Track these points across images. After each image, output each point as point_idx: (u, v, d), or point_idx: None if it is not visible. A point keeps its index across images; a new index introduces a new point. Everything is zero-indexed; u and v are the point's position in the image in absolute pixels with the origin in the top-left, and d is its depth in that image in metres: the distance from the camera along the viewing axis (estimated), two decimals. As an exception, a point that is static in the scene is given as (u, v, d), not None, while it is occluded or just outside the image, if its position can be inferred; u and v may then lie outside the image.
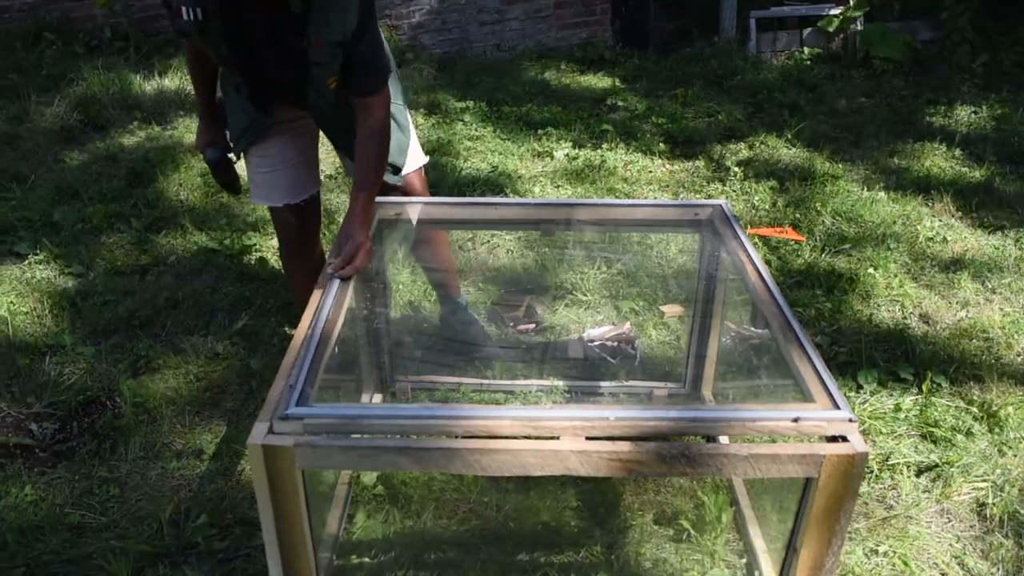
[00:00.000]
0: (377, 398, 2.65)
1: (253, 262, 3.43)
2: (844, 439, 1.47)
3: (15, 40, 5.73)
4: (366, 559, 2.12)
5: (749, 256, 2.04)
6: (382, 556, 2.12)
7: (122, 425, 2.54)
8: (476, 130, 4.82)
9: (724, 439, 1.94)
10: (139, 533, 2.18)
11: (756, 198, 4.01)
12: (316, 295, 1.88)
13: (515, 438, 1.47)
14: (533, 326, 3.03)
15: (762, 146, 4.70)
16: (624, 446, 1.45)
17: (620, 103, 5.37)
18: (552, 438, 1.48)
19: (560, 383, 2.67)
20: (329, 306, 1.83)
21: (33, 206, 3.76)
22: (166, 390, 2.67)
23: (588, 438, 1.47)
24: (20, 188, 3.94)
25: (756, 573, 2.03)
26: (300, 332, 1.76)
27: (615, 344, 2.86)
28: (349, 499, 2.27)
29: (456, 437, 1.49)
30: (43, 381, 2.69)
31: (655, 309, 3.13)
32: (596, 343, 2.87)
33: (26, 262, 3.37)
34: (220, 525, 2.21)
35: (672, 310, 3.11)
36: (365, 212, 2.11)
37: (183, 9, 1.95)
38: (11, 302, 3.08)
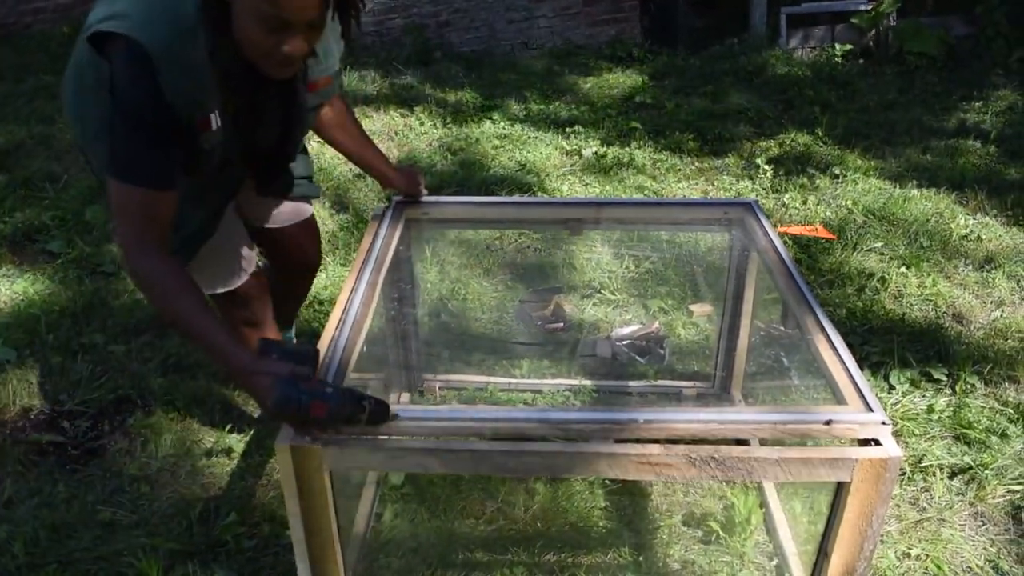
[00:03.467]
0: (405, 397, 2.66)
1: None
2: (877, 442, 1.45)
3: (49, 40, 5.82)
4: (393, 559, 2.12)
5: (779, 255, 2.02)
6: (409, 556, 2.12)
7: (153, 423, 2.56)
8: (504, 128, 4.82)
9: (754, 442, 1.92)
10: (169, 531, 2.20)
11: (786, 196, 3.96)
12: (346, 291, 1.88)
13: (544, 440, 1.46)
14: (561, 325, 3.02)
15: (793, 143, 4.65)
16: (653, 449, 1.44)
17: (649, 100, 5.34)
18: (581, 440, 1.47)
19: (588, 383, 2.66)
20: (357, 306, 1.83)
21: (65, 205, 3.81)
22: (196, 389, 2.69)
23: (617, 440, 1.46)
24: (53, 188, 3.99)
25: (786, 575, 2.00)
26: (328, 332, 1.76)
27: (644, 343, 2.84)
28: (377, 498, 2.27)
29: (485, 439, 1.48)
30: (75, 379, 2.72)
31: (684, 308, 3.11)
32: (624, 342, 2.86)
33: (59, 261, 3.41)
34: (249, 523, 2.22)
35: (701, 309, 3.08)
36: None
37: (212, 118, 1.59)
38: (44, 300, 3.12)
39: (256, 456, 2.44)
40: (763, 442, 1.54)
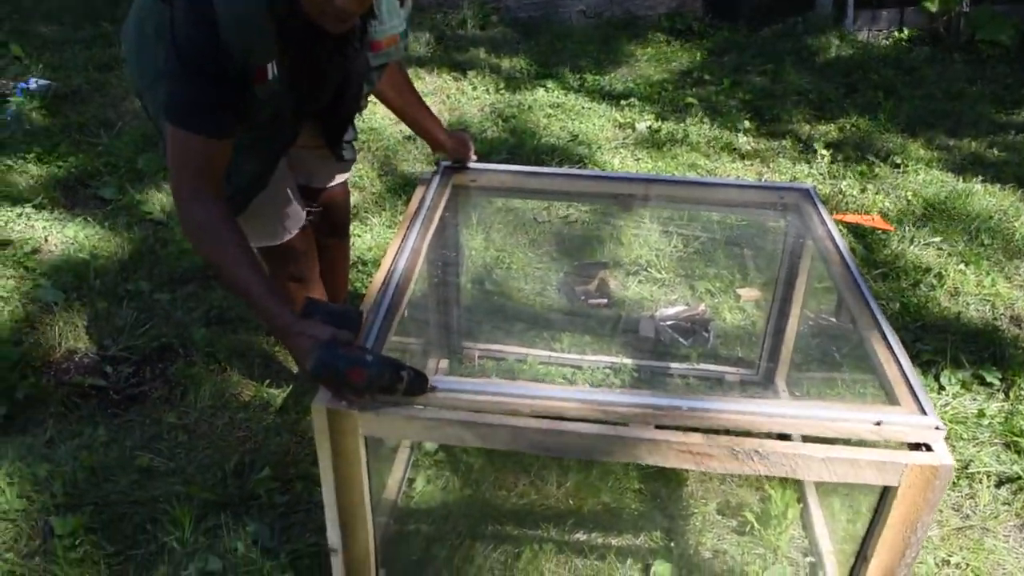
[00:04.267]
0: (444, 363, 2.65)
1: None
2: (928, 448, 1.40)
3: (110, -13, 5.84)
4: (423, 525, 2.12)
5: (835, 243, 1.96)
6: (440, 523, 2.11)
7: (193, 373, 2.58)
8: (558, 97, 4.75)
9: (798, 436, 1.87)
10: (204, 480, 2.22)
11: (844, 183, 3.86)
12: (390, 254, 1.86)
13: (583, 421, 1.44)
14: (605, 301, 2.98)
15: (853, 128, 4.52)
16: (695, 438, 1.40)
17: (707, 76, 5.23)
18: (621, 424, 1.44)
19: (629, 361, 2.63)
20: (401, 270, 1.81)
21: (119, 152, 3.83)
22: (237, 342, 2.71)
23: (658, 427, 1.43)
24: (107, 134, 4.02)
25: (820, 574, 1.96)
26: (371, 294, 1.75)
27: (688, 325, 2.80)
28: (410, 463, 2.27)
29: (523, 415, 1.46)
30: (120, 325, 2.75)
31: (732, 292, 3.05)
32: (669, 322, 2.81)
33: (109, 207, 3.44)
34: (282, 479, 2.23)
35: (749, 294, 3.02)
36: None
37: (268, 68, 1.56)
38: (93, 246, 3.15)
39: (293, 412, 2.45)
40: (807, 438, 1.49)
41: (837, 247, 1.95)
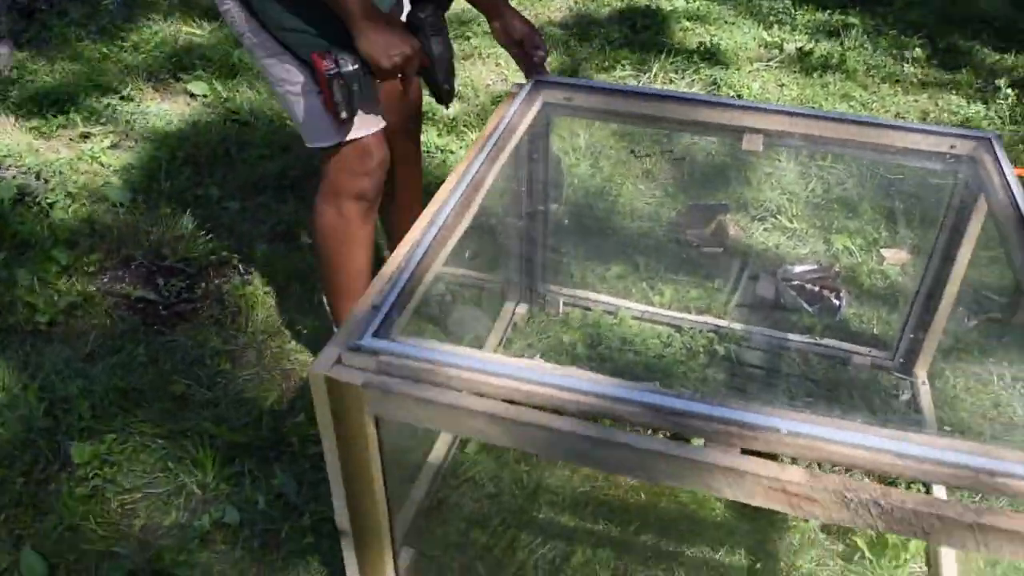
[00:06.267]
0: (523, 309, 2.32)
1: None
2: None
3: None
4: (468, 497, 1.82)
5: (1017, 206, 1.50)
6: (486, 501, 1.81)
7: (248, 294, 2.35)
8: (699, 8, 4.22)
9: (941, 489, 1.45)
10: (237, 418, 2.00)
11: (1030, 129, 3.24)
12: (459, 169, 1.54)
13: (648, 431, 1.09)
14: (721, 249, 2.56)
15: (1048, 64, 3.82)
16: (794, 474, 1.03)
17: (875, -6, 4.55)
18: (696, 443, 1.08)
19: (738, 327, 2.23)
20: (454, 204, 1.48)
21: (218, 46, 3.61)
22: (300, 263, 2.45)
23: (745, 451, 1.06)
24: (209, 24, 3.80)
25: (947, 625, 1.57)
26: (412, 233, 1.42)
27: (816, 288, 2.35)
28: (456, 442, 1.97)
29: (568, 414, 1.12)
30: (181, 233, 2.54)
31: (874, 252, 2.57)
32: (793, 283, 2.38)
33: (197, 102, 3.23)
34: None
35: (896, 256, 2.53)
36: None
37: None
38: (171, 145, 2.94)
39: (346, 350, 2.19)
40: (952, 489, 1.09)
41: (1020, 211, 1.49)
